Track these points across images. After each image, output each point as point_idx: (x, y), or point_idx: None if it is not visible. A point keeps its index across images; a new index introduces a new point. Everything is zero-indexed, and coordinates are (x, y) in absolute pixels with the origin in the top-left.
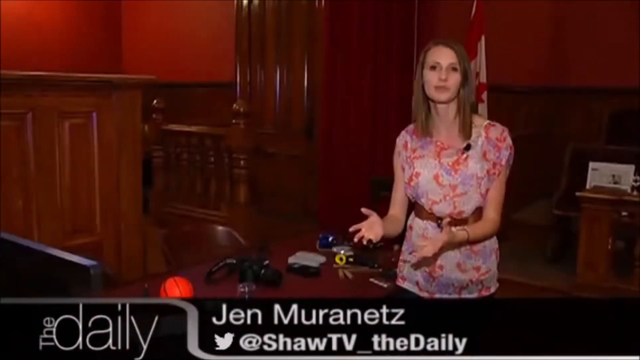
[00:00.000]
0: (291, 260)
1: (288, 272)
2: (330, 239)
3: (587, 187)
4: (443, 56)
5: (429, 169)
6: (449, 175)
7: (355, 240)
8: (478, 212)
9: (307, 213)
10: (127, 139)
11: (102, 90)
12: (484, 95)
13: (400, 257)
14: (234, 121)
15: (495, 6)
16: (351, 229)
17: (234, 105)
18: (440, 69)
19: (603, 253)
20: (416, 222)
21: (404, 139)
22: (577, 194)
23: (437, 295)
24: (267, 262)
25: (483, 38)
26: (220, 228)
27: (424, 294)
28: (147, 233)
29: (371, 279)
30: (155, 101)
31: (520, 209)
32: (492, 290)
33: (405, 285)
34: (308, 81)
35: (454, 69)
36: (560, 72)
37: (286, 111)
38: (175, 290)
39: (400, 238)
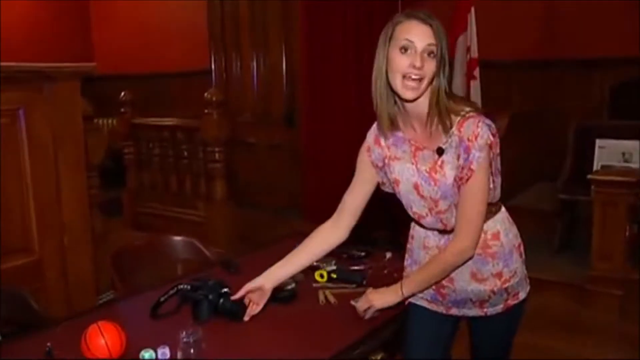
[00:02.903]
0: None
1: None
2: None
3: (595, 167)
4: (419, 35)
5: (407, 176)
6: (428, 186)
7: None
8: None
9: (291, 206)
10: (66, 139)
11: (30, 83)
12: (476, 72)
13: (404, 272)
14: (206, 111)
15: None
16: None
17: (206, 95)
18: (414, 52)
19: (619, 241)
20: (417, 231)
21: (375, 133)
22: (589, 176)
23: (454, 310)
24: (226, 289)
25: (473, 10)
26: (179, 239)
27: (439, 308)
28: (122, 238)
29: (352, 302)
30: (123, 94)
31: (518, 194)
32: (522, 296)
33: (414, 300)
34: (286, 66)
35: (431, 54)
36: (555, 43)
37: (265, 98)
38: (100, 340)
39: (394, 245)
